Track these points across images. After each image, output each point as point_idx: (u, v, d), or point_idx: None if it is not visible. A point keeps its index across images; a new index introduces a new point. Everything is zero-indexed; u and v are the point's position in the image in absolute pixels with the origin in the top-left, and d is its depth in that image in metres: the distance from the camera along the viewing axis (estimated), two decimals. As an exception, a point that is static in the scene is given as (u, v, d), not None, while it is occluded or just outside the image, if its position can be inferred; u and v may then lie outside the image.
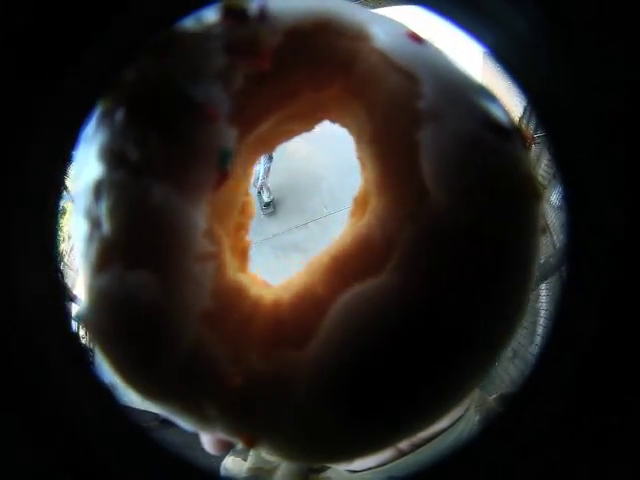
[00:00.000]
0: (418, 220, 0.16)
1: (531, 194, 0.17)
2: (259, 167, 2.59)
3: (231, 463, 0.39)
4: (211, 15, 0.18)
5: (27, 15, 0.14)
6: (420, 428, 0.17)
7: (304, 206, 2.79)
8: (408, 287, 0.16)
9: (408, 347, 0.16)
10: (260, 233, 2.55)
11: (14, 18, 0.14)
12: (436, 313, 0.16)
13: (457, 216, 0.16)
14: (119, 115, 0.17)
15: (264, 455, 0.18)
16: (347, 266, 0.17)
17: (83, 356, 0.16)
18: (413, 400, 0.16)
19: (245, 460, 0.38)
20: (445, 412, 0.17)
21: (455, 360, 0.16)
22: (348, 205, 0.20)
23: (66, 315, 0.16)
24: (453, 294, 0.16)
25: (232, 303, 0.17)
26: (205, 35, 0.17)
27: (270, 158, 2.56)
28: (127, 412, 0.16)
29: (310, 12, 0.18)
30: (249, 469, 0.37)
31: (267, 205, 2.83)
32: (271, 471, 0.36)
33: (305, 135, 0.22)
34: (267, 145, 0.21)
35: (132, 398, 0.18)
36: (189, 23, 0.17)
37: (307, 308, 0.17)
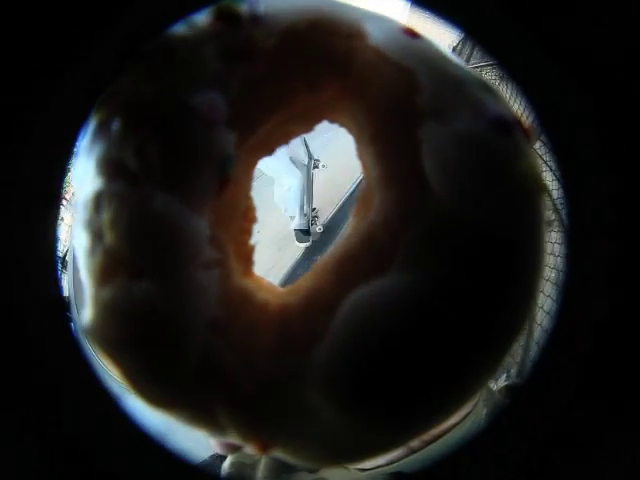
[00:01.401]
0: (422, 218, 0.16)
1: (535, 187, 0.16)
2: (293, 188, 1.73)
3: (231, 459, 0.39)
4: (203, 20, 0.17)
5: (26, 15, 0.14)
6: (432, 427, 0.17)
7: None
8: (415, 285, 0.16)
9: (415, 345, 0.16)
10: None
11: (13, 18, 0.14)
12: (444, 311, 0.16)
13: (461, 212, 0.16)
14: (116, 125, 0.17)
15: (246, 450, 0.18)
16: (353, 266, 0.17)
17: (83, 356, 0.16)
18: (425, 399, 0.16)
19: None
20: (456, 410, 0.17)
21: (465, 357, 0.16)
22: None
23: (66, 315, 0.16)
24: (460, 291, 0.16)
25: (239, 309, 0.17)
26: (199, 40, 0.17)
27: (309, 171, 1.74)
28: (128, 413, 0.16)
29: (303, 12, 0.18)
30: (231, 464, 0.36)
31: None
32: (253, 465, 0.35)
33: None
34: (267, 147, 0.21)
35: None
36: (182, 29, 0.17)
37: (314, 310, 0.17)
